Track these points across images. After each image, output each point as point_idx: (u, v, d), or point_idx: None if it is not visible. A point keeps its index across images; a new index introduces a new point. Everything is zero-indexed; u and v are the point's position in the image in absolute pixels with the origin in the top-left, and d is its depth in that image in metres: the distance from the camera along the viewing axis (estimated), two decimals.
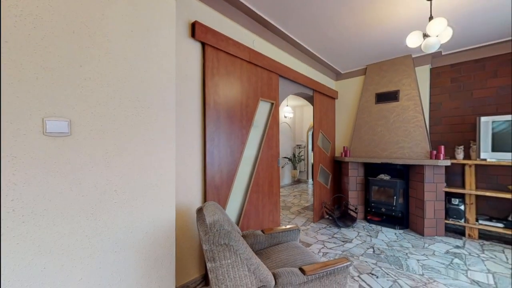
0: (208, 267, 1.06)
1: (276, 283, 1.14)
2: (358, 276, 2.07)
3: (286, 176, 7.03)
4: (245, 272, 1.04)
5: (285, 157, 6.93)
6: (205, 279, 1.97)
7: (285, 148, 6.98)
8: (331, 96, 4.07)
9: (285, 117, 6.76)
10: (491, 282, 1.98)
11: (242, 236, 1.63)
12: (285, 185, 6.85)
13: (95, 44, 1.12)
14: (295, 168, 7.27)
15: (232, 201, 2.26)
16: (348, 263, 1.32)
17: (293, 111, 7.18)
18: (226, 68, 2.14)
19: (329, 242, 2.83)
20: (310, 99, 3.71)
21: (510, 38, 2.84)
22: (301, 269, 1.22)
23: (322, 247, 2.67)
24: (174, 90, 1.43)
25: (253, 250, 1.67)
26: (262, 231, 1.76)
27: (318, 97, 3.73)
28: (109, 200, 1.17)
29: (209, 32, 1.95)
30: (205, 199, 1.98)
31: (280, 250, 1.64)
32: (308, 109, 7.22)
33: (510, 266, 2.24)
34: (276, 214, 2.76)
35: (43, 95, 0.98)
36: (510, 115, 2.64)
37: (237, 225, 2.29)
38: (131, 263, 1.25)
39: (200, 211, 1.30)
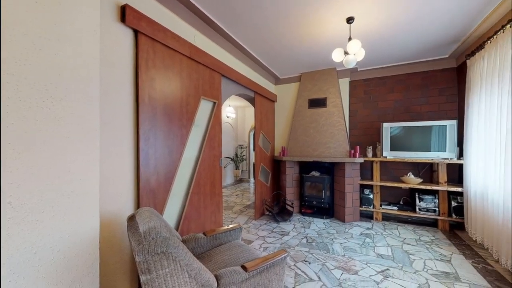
0: (142, 280, 0.95)
1: (218, 284, 1.12)
2: (294, 264, 2.27)
3: (228, 176, 7.04)
4: (185, 279, 0.99)
5: (227, 157, 6.94)
6: None
7: (227, 148, 6.98)
8: (271, 99, 4.31)
9: (228, 117, 6.78)
10: (390, 253, 2.51)
11: (182, 241, 1.54)
12: (227, 185, 6.85)
13: None
14: (237, 167, 7.37)
15: (171, 205, 2.10)
16: (286, 254, 1.42)
17: (235, 111, 7.26)
18: (163, 62, 1.98)
19: (269, 237, 2.99)
20: (251, 101, 3.83)
21: (403, 62, 3.69)
22: (243, 267, 1.25)
23: (263, 243, 2.80)
24: (98, 80, 1.22)
25: (194, 254, 1.60)
26: (204, 233, 1.71)
27: (259, 99, 3.89)
28: None
29: (143, 19, 1.76)
30: (138, 205, 1.77)
31: (222, 250, 1.63)
32: (250, 110, 7.45)
33: (401, 239, 2.90)
34: (218, 214, 2.73)
35: None
36: (401, 123, 3.44)
37: (177, 229, 2.15)
38: None
39: (132, 219, 1.16)
